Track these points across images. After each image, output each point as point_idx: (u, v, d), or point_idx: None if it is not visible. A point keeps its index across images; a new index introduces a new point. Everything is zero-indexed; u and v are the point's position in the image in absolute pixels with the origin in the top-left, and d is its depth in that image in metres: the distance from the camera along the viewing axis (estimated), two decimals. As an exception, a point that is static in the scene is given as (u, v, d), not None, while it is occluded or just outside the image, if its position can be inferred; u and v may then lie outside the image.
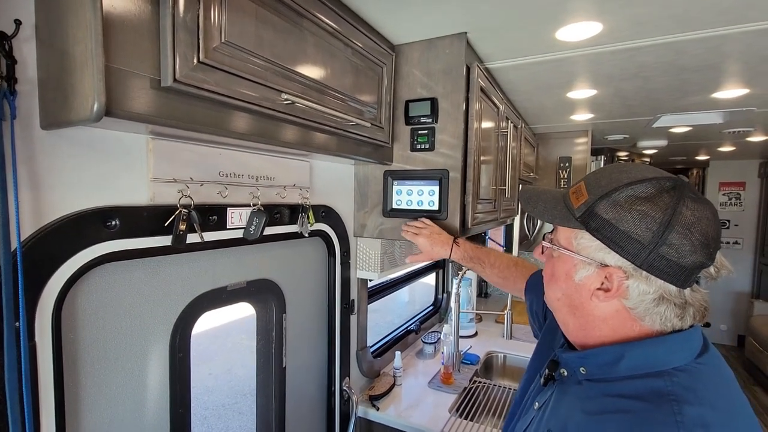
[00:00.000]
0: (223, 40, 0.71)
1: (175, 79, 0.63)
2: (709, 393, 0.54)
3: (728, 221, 4.85)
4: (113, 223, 0.73)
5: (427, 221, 1.32)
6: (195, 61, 0.66)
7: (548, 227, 3.01)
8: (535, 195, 0.74)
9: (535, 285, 1.11)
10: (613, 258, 0.58)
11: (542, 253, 0.73)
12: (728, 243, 4.82)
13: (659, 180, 0.57)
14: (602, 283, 0.60)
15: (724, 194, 4.90)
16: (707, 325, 4.78)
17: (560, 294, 0.67)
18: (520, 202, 0.76)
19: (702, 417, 0.50)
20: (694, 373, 0.55)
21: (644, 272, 0.56)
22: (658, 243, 0.54)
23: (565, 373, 0.67)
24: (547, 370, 0.71)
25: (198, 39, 0.67)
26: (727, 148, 3.67)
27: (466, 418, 1.57)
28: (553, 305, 0.71)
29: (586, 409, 0.59)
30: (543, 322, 1.00)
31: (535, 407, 0.72)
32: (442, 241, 1.27)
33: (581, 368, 0.64)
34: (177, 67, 0.63)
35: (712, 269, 0.57)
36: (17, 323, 0.61)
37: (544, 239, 0.72)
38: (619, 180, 0.59)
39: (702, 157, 4.44)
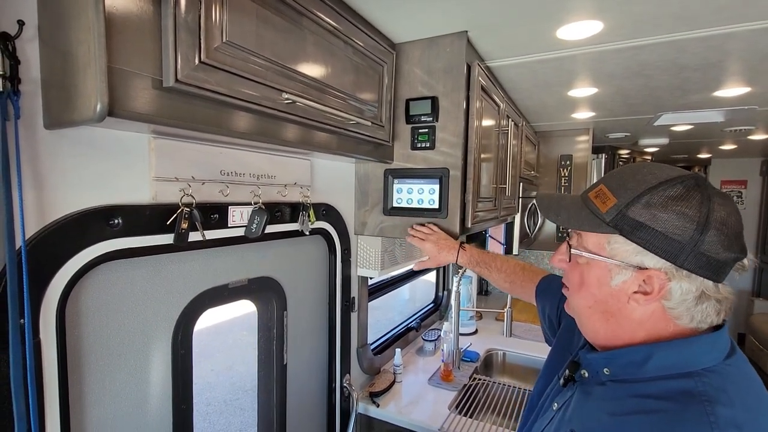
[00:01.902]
0: (224, 40, 0.71)
1: (176, 80, 0.64)
2: (741, 394, 0.53)
3: (729, 219, 4.83)
4: (116, 221, 0.74)
5: (434, 227, 1.33)
6: (196, 61, 0.67)
7: (549, 225, 3.01)
8: (554, 202, 0.72)
9: (546, 289, 1.10)
10: (652, 260, 0.57)
11: (569, 261, 0.69)
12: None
13: (683, 178, 0.57)
14: (639, 286, 0.59)
15: (725, 192, 4.89)
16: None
17: (592, 301, 0.65)
18: (540, 210, 0.74)
19: (735, 418, 0.50)
20: (724, 374, 0.55)
21: (685, 271, 0.56)
22: (698, 242, 0.54)
23: (586, 375, 0.66)
24: (567, 371, 0.70)
25: (199, 39, 0.67)
26: (728, 147, 3.66)
27: (465, 415, 1.58)
28: (582, 313, 0.68)
29: (612, 410, 0.59)
30: (557, 326, 0.99)
31: (554, 408, 0.71)
32: (448, 246, 1.28)
33: (605, 369, 0.63)
34: (179, 67, 0.64)
35: (745, 261, 0.58)
36: (22, 320, 0.62)
37: (567, 245, 0.68)
38: (646, 181, 0.58)
39: (704, 155, 4.43)
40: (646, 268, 0.58)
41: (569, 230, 0.70)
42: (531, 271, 1.23)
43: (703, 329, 0.59)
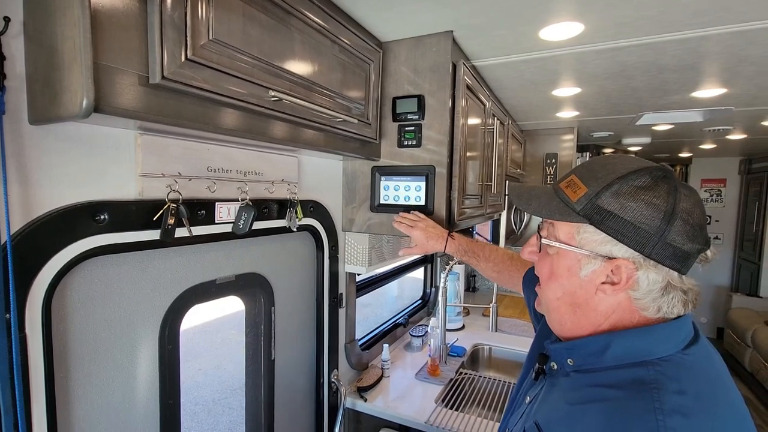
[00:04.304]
0: (210, 38, 0.72)
1: (163, 76, 0.64)
2: (695, 384, 0.53)
3: (709, 217, 4.98)
4: (102, 217, 0.75)
5: (421, 215, 1.34)
6: (183, 58, 0.67)
7: (535, 222, 3.06)
8: (526, 192, 0.73)
9: (532, 280, 1.11)
10: (620, 250, 0.57)
11: (539, 251, 0.70)
12: (709, 238, 4.94)
13: (650, 170, 0.58)
14: (608, 276, 0.59)
15: (705, 191, 5.02)
16: (688, 318, 4.91)
17: (560, 293, 0.65)
18: (512, 200, 0.74)
19: (682, 405, 0.50)
20: (679, 363, 0.55)
21: (653, 261, 0.56)
22: (665, 231, 0.55)
23: (555, 367, 0.67)
24: (537, 365, 0.71)
25: (186, 36, 0.68)
26: (708, 146, 3.76)
27: (452, 408, 1.61)
28: (550, 305, 0.69)
29: (570, 399, 0.59)
30: (541, 316, 1.01)
31: (527, 401, 0.72)
32: (437, 234, 1.28)
33: (569, 360, 0.63)
34: (165, 64, 0.65)
35: (708, 252, 0.58)
36: (8, 315, 0.62)
37: (538, 237, 0.69)
38: (615, 171, 0.59)
39: (685, 154, 4.54)
40: (615, 258, 0.58)
41: (541, 222, 0.71)
42: (519, 260, 1.23)
43: (670, 319, 0.59)
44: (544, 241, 0.68)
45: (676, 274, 0.57)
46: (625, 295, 0.60)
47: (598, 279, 0.60)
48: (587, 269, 0.61)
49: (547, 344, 0.70)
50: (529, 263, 1.19)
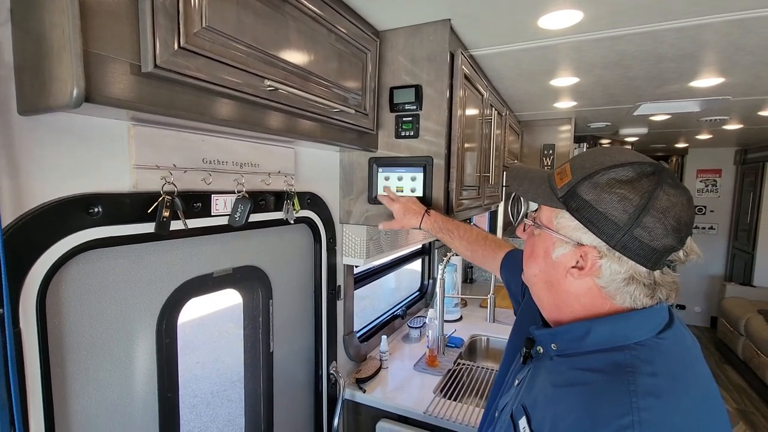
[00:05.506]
0: (204, 25, 0.70)
1: (155, 65, 0.63)
2: (667, 366, 0.56)
3: (704, 207, 5.01)
4: (96, 210, 0.73)
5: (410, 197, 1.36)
6: (175, 46, 0.66)
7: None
8: (522, 173, 0.76)
9: (512, 266, 1.13)
10: (589, 238, 0.60)
11: (524, 230, 0.75)
12: (704, 228, 4.99)
13: (640, 165, 0.58)
14: (577, 262, 0.62)
15: (701, 181, 5.04)
16: (682, 307, 4.96)
17: (537, 270, 0.70)
18: (507, 178, 0.78)
19: (655, 386, 0.53)
20: (653, 347, 0.58)
21: (617, 253, 0.58)
22: (633, 225, 0.56)
23: (541, 351, 0.70)
24: (524, 349, 0.74)
25: (178, 24, 0.66)
26: (704, 136, 3.77)
27: (450, 398, 1.62)
28: (530, 281, 0.74)
29: (555, 382, 0.62)
30: (521, 301, 1.03)
31: (516, 384, 0.75)
32: (414, 210, 1.30)
33: (552, 344, 0.67)
34: (157, 52, 0.63)
35: (681, 253, 0.59)
36: (1, 310, 0.61)
37: (527, 217, 0.74)
38: (602, 163, 0.60)
39: (681, 145, 4.55)
40: (583, 245, 0.61)
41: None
42: (493, 242, 1.27)
43: (639, 309, 0.61)
44: (526, 221, 0.74)
45: (643, 269, 0.59)
46: (591, 281, 0.63)
47: (568, 263, 0.64)
48: (558, 252, 0.65)
49: (533, 330, 0.73)
50: (504, 245, 1.24)
